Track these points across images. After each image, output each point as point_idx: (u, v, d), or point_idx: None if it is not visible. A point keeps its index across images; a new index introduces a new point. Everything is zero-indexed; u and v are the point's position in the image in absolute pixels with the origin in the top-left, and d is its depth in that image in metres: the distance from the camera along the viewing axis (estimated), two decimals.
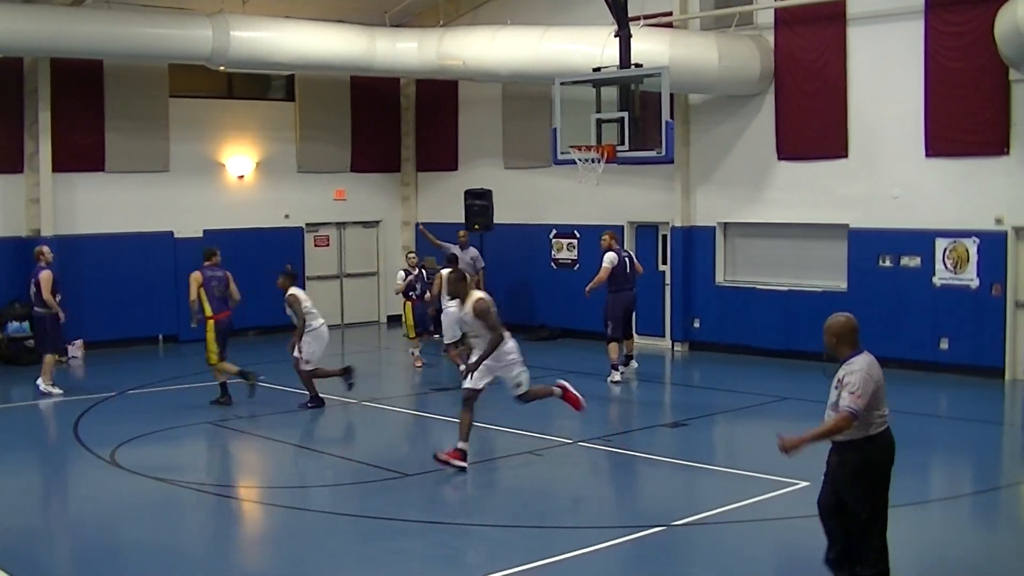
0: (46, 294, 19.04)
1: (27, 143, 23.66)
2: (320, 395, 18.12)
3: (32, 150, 23.54)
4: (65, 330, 20.25)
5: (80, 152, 24.29)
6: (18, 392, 19.23)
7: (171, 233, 25.40)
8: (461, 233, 24.17)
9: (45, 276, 19.17)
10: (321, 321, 18.32)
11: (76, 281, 23.57)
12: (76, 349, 23.53)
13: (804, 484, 12.62)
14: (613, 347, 20.03)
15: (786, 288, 22.15)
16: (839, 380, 8.74)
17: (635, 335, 21.39)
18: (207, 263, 18.20)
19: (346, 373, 18.54)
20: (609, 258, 20.01)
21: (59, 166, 23.70)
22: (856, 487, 8.82)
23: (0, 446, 15.94)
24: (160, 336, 25.39)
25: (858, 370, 8.65)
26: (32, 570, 10.47)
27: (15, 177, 23.72)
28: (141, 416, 17.45)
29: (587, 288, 20.41)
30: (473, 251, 23.77)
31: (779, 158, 22.06)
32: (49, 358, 19.47)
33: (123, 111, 24.79)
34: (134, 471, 13.99)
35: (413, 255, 23.05)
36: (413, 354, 22.45)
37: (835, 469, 8.93)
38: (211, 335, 18.01)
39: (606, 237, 20.44)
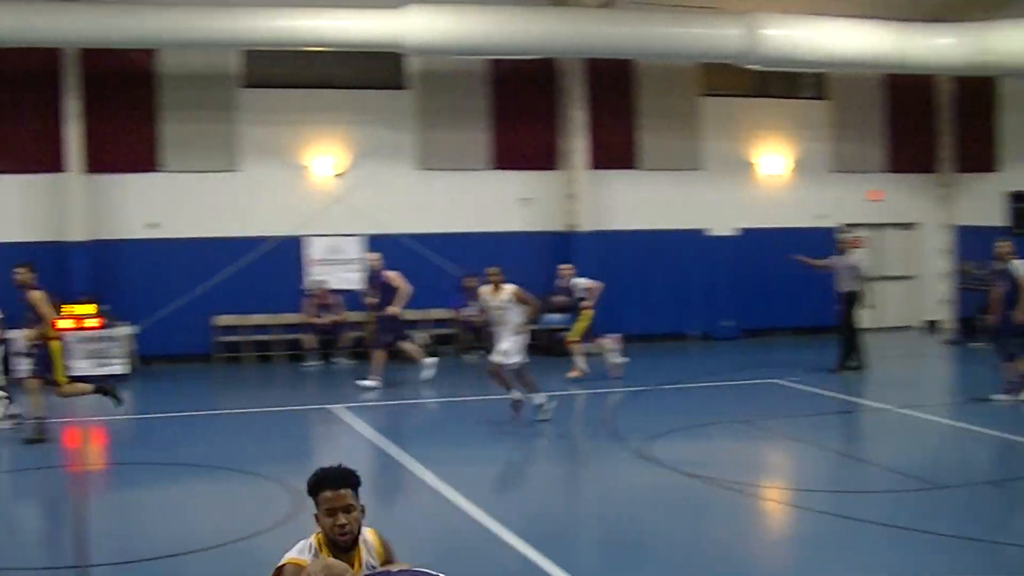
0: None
1: (562, 140, 24.60)
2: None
3: (568, 147, 24.46)
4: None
5: (613, 150, 25.10)
6: (557, 382, 19.95)
7: (703, 231, 25.69)
8: (843, 239, 22.98)
9: None
10: None
11: (611, 276, 24.33)
12: (614, 343, 24.19)
13: None
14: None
15: None
16: None
17: None
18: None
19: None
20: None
21: (594, 163, 24.52)
22: None
23: (543, 435, 16.63)
24: (694, 334, 25.75)
25: None
26: (563, 554, 10.76)
27: (551, 174, 24.80)
28: (673, 411, 17.92)
29: None
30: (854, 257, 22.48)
31: None
32: (379, 354, 20.50)
33: (655, 110, 25.38)
34: (665, 464, 14.23)
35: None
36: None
37: None
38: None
39: (1006, 245, 18.12)
